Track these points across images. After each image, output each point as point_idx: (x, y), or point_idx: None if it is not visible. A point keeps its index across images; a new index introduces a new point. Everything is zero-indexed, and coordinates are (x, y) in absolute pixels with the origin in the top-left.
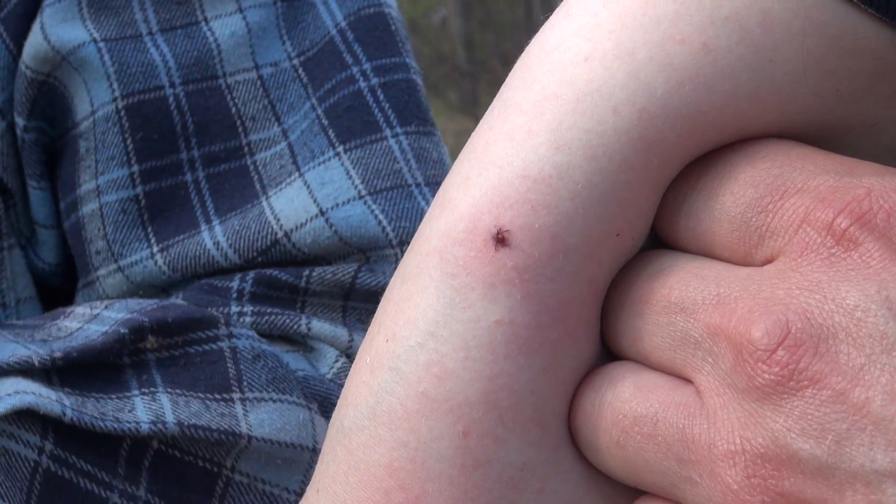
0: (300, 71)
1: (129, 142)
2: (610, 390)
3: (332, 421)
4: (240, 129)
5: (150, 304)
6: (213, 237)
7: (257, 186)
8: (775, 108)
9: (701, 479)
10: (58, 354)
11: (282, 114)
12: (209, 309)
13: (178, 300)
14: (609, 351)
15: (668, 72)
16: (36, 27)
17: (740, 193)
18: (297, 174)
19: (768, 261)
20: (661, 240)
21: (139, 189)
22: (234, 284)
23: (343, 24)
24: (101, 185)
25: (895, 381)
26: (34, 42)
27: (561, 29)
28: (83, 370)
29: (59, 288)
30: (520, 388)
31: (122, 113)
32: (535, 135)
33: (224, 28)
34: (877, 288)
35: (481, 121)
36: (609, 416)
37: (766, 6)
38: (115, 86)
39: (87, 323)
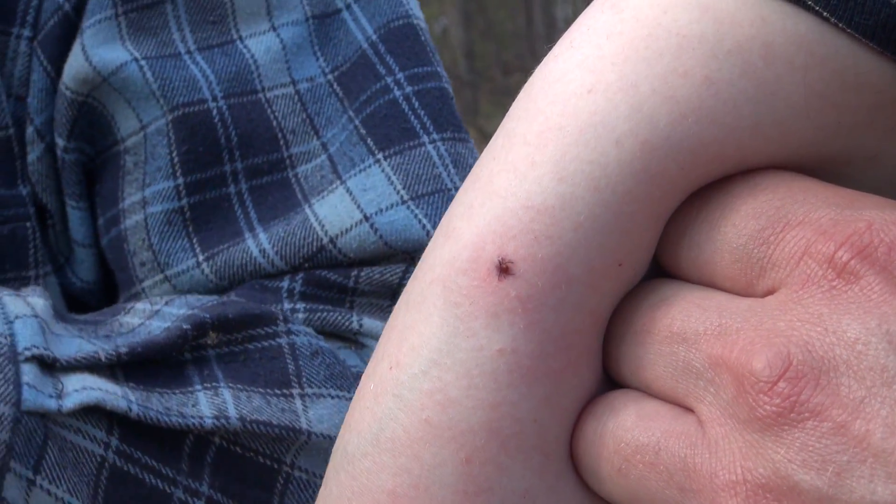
0: (335, 86)
1: (174, 154)
2: (612, 419)
3: (335, 446)
4: (281, 142)
5: (209, 300)
6: (259, 244)
7: (299, 196)
8: (777, 141)
9: None
10: (123, 350)
11: (320, 127)
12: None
13: (235, 297)
14: (611, 379)
15: (671, 104)
16: (77, 49)
17: (742, 225)
18: (338, 182)
19: (770, 292)
20: (663, 269)
21: (184, 201)
22: (285, 284)
23: (374, 37)
24: (147, 197)
25: (894, 414)
26: (75, 64)
27: (564, 60)
28: (147, 365)
29: (95, 307)
30: (522, 417)
31: (170, 126)
32: (539, 166)
33: (259, 45)
34: (877, 321)
35: (485, 150)
36: (611, 445)
37: (769, 40)
38: (161, 101)
39: (148, 319)
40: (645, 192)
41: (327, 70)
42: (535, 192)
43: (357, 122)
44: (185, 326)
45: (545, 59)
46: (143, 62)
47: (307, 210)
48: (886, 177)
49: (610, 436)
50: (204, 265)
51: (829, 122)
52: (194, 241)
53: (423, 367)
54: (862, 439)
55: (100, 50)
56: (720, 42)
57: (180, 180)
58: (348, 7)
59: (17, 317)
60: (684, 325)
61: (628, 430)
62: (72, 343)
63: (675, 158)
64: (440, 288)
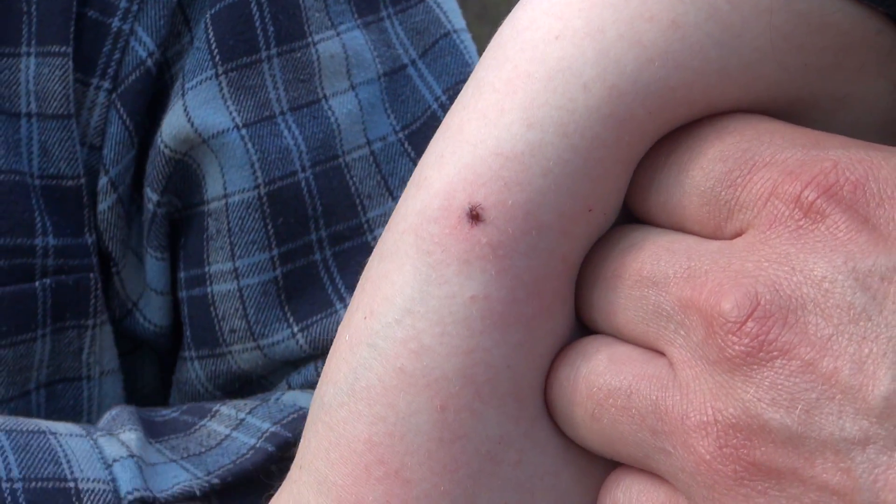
0: (406, 145)
1: (270, 227)
2: (584, 364)
3: (314, 397)
4: (359, 208)
5: (290, 411)
6: None
7: None
8: (744, 84)
9: (674, 450)
10: (216, 481)
11: (394, 188)
12: None
13: None
14: (584, 325)
15: (638, 49)
16: (178, 108)
17: (709, 168)
18: None
19: (738, 234)
20: (633, 215)
21: (278, 271)
22: None
23: (443, 98)
24: (241, 268)
25: (862, 351)
26: (176, 123)
27: (532, 8)
28: (238, 488)
29: (162, 347)
30: (496, 363)
31: (265, 199)
32: (508, 113)
33: (341, 106)
34: (844, 259)
35: (456, 100)
36: (584, 390)
37: None
38: (259, 174)
39: (234, 430)
40: (613, 137)
41: (398, 128)
42: (504, 138)
43: None
44: (269, 449)
45: (515, 8)
46: (244, 131)
47: None
48: (853, 120)
49: (583, 381)
50: (299, 336)
51: (796, 64)
52: (287, 310)
53: (397, 315)
54: (830, 376)
55: (201, 111)
56: None
57: (275, 251)
58: (413, 63)
59: (115, 460)
60: (654, 268)
61: (600, 374)
62: (166, 472)
63: (642, 103)
64: (412, 237)
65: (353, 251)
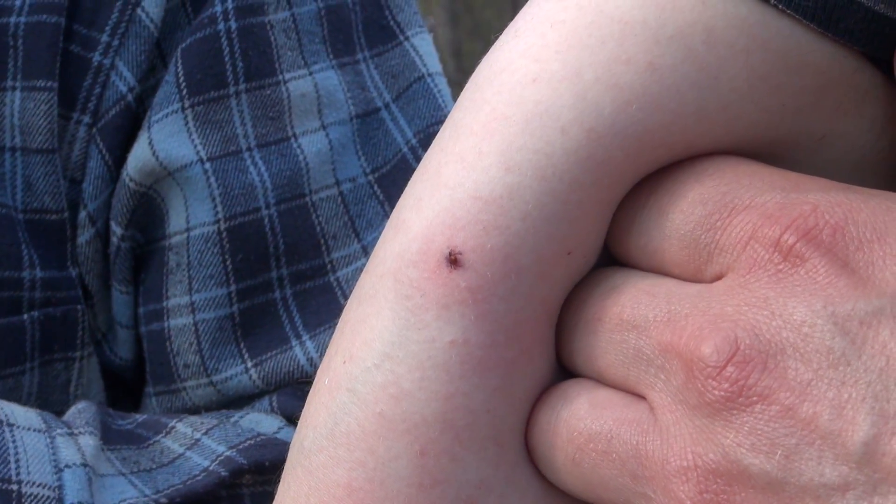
0: (375, 187)
1: (228, 262)
2: (565, 408)
3: (292, 442)
4: (323, 248)
5: (247, 437)
6: (306, 353)
7: (341, 301)
8: (722, 125)
9: (655, 495)
10: (163, 501)
11: (360, 230)
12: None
13: (276, 436)
14: (565, 369)
15: (615, 92)
16: (143, 141)
17: (689, 211)
18: None
19: (718, 277)
20: (613, 257)
21: (235, 307)
22: None
23: (413, 141)
24: (197, 302)
25: (842, 396)
26: (141, 156)
27: (509, 50)
28: None
29: (130, 380)
30: (475, 408)
31: (224, 235)
32: (486, 156)
33: (311, 145)
34: (823, 303)
35: (433, 142)
36: (564, 434)
37: (710, 24)
38: (220, 208)
39: (189, 449)
40: (592, 180)
41: (368, 170)
42: (482, 182)
43: None
44: (223, 473)
45: (491, 49)
46: (207, 164)
47: None
48: (833, 159)
49: (563, 425)
50: (252, 371)
51: (774, 104)
52: (242, 347)
53: (376, 360)
54: (809, 422)
55: (166, 144)
56: (662, 27)
57: (233, 287)
58: (387, 106)
59: (66, 466)
60: (634, 312)
61: (581, 418)
62: (115, 485)
63: (620, 145)
64: (391, 281)
65: (315, 291)
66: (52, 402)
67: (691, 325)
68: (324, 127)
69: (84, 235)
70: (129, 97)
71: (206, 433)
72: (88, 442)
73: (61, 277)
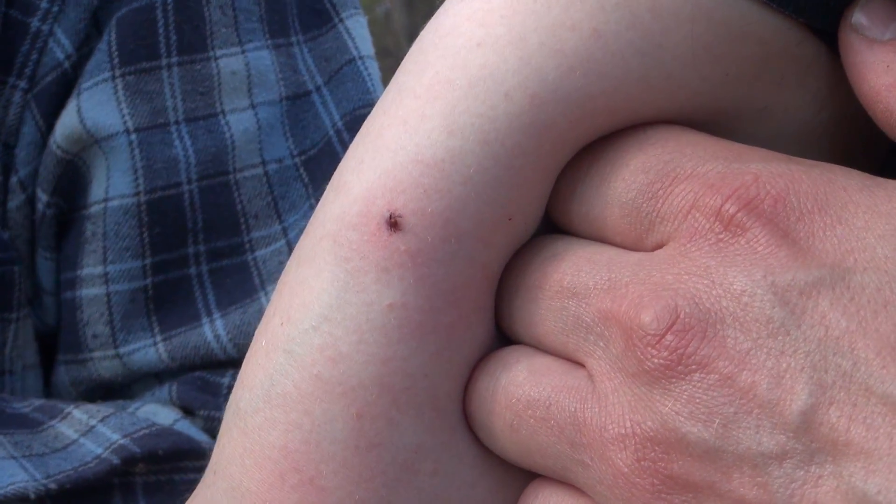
0: (301, 170)
1: (145, 235)
2: (504, 374)
3: (228, 403)
4: (243, 227)
5: (143, 425)
6: (214, 330)
7: (256, 282)
8: (666, 94)
9: (592, 462)
10: (52, 485)
11: (283, 211)
12: (200, 412)
13: (172, 427)
14: (505, 336)
15: (559, 57)
16: (71, 109)
17: (631, 179)
18: None
19: (659, 246)
20: (555, 225)
21: (149, 280)
22: (226, 381)
23: (339, 124)
24: (112, 274)
25: (780, 365)
26: (69, 123)
27: (455, 13)
28: (75, 496)
29: (52, 347)
30: (413, 372)
31: (143, 207)
32: (428, 119)
33: (239, 124)
34: (763, 273)
35: (376, 105)
36: (503, 400)
37: None
38: (141, 180)
39: (83, 436)
40: (534, 146)
41: (295, 152)
42: (424, 145)
43: None
44: (114, 462)
45: (437, 13)
46: (133, 136)
47: (263, 299)
48: (774, 130)
49: (502, 391)
50: (160, 345)
51: (717, 74)
52: (153, 320)
53: (314, 322)
54: (748, 390)
55: (95, 112)
56: None
57: (148, 260)
58: (318, 89)
59: None
60: (575, 279)
61: (520, 385)
62: (5, 468)
63: (563, 111)
64: (330, 243)
65: (231, 269)
66: None
67: (631, 294)
68: (253, 106)
69: (14, 201)
70: (66, 64)
71: (101, 420)
72: None
73: None
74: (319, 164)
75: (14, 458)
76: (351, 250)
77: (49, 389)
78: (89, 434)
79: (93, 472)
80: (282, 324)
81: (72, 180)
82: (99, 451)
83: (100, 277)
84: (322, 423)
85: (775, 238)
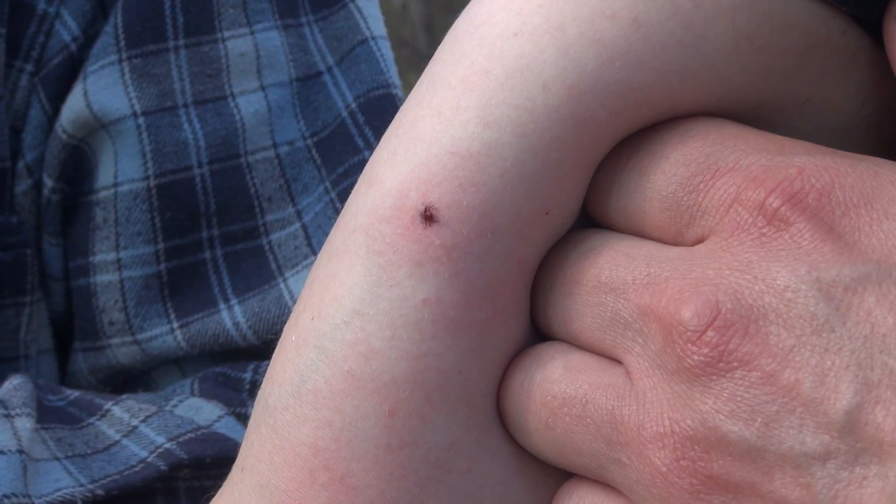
0: (313, 151)
1: (157, 220)
2: (539, 371)
3: (257, 399)
4: (257, 210)
5: (187, 428)
6: (233, 317)
7: (273, 266)
8: (707, 86)
9: (630, 461)
10: (100, 492)
11: (296, 194)
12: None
13: (215, 430)
14: (540, 332)
15: (598, 48)
16: (77, 92)
17: (672, 172)
18: (313, 257)
19: (699, 241)
20: (592, 219)
21: (162, 266)
22: (248, 376)
23: (353, 105)
24: (124, 260)
25: (825, 363)
26: (75, 108)
27: (490, 2)
28: (120, 499)
29: (62, 334)
30: (447, 368)
31: (154, 192)
32: (464, 111)
33: (248, 106)
34: (807, 268)
35: (409, 96)
36: (538, 398)
37: None
38: (150, 164)
39: (125, 437)
40: (572, 138)
41: (307, 134)
42: (460, 137)
43: (333, 194)
44: (161, 467)
45: (471, 2)
46: (141, 119)
47: (281, 285)
48: (818, 123)
49: (537, 388)
50: (177, 332)
51: (760, 65)
52: (169, 306)
53: (346, 317)
54: (791, 389)
55: (101, 96)
56: None
57: (160, 245)
58: (329, 70)
59: (1, 452)
60: (612, 274)
61: (555, 382)
62: (50, 472)
63: (602, 103)
64: (363, 236)
65: (246, 253)
66: (2, 350)
67: (671, 289)
68: (263, 88)
69: (21, 186)
70: (73, 47)
71: (143, 420)
72: (25, 425)
73: (9, 223)
74: (332, 145)
75: (57, 458)
76: (384, 244)
77: (63, 376)
78: (132, 435)
79: (140, 478)
80: (312, 319)
81: (77, 165)
82: (143, 454)
83: (113, 264)
84: (353, 420)
85: (820, 233)
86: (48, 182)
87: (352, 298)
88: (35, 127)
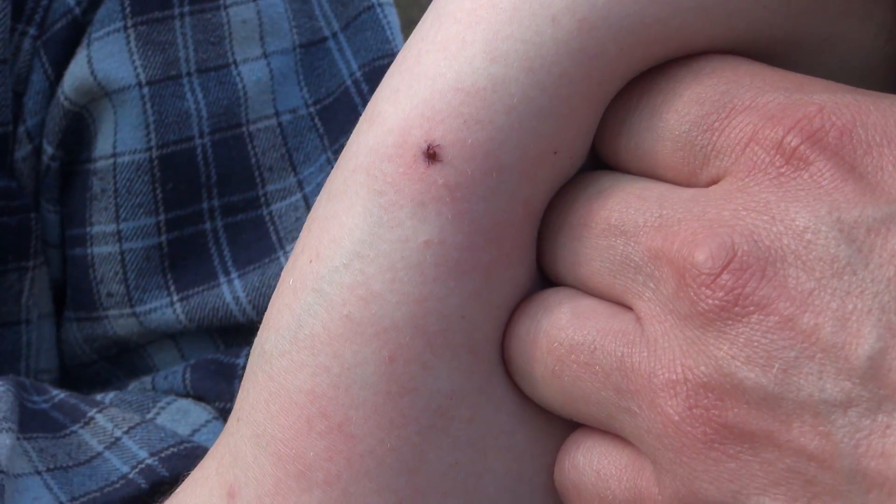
0: (316, 120)
1: (159, 191)
2: (545, 317)
3: (253, 346)
4: (257, 180)
5: (170, 442)
6: (233, 292)
7: (273, 238)
8: (723, 22)
9: (640, 410)
10: None
11: (298, 164)
12: (215, 403)
13: (201, 439)
14: (546, 277)
15: None
16: (82, 59)
17: (685, 111)
18: None
19: (714, 181)
20: (602, 160)
21: (163, 237)
22: (241, 361)
23: (358, 74)
24: (125, 231)
25: (846, 307)
26: (79, 74)
27: None
28: None
29: (59, 302)
30: (449, 313)
31: (156, 163)
32: (470, 45)
33: (251, 74)
34: (828, 209)
35: (414, 31)
36: (544, 345)
37: None
38: (153, 135)
39: (108, 449)
40: (582, 74)
41: (310, 102)
42: (465, 73)
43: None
44: (142, 485)
45: None
46: (146, 89)
47: (282, 259)
48: (836, 63)
49: (543, 335)
50: (177, 305)
51: (778, 1)
52: (169, 279)
53: (345, 259)
54: (811, 334)
55: (105, 63)
56: None
57: (162, 217)
58: (334, 35)
59: None
60: (623, 216)
61: (562, 328)
62: (30, 488)
63: (614, 38)
64: (363, 176)
65: (247, 224)
66: (4, 314)
67: (684, 231)
68: (265, 55)
69: (21, 151)
70: (76, 11)
71: (127, 432)
72: (5, 441)
73: (13, 187)
74: (335, 114)
75: (38, 472)
76: (385, 183)
77: (59, 345)
78: (114, 447)
79: (119, 496)
80: (310, 261)
81: (77, 133)
82: (125, 469)
83: (112, 235)
84: (352, 366)
85: (841, 172)
86: (48, 149)
87: (351, 240)
88: (37, 92)
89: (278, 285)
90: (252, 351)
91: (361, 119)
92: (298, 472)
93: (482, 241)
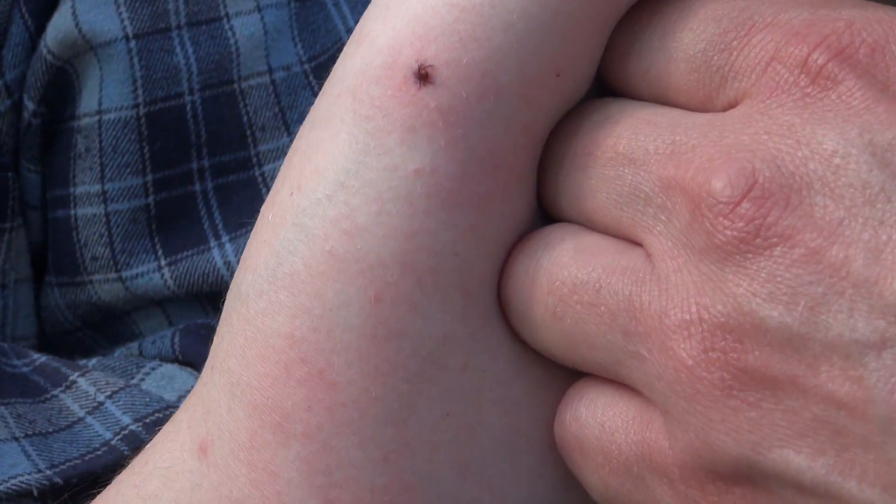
0: (311, 77)
1: (146, 150)
2: (546, 255)
3: (230, 289)
4: (249, 140)
5: (154, 407)
6: (224, 256)
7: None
8: None
9: (650, 355)
10: (58, 480)
11: (291, 123)
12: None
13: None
14: (547, 212)
15: None
16: (65, 10)
17: (700, 29)
18: None
19: (732, 105)
20: (609, 87)
21: (151, 198)
22: None
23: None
24: (110, 192)
25: (879, 237)
26: (62, 27)
27: None
28: (80, 490)
29: (39, 266)
30: (441, 249)
31: (143, 120)
32: None
33: (244, 28)
34: (858, 131)
35: None
36: (545, 284)
37: None
38: (140, 92)
39: (90, 414)
40: None
41: (304, 58)
42: None
43: None
44: (125, 452)
45: None
46: (133, 43)
47: None
48: None
49: (544, 273)
50: (165, 270)
51: None
52: (157, 242)
53: (328, 190)
54: (840, 267)
55: (90, 15)
56: None
57: (149, 177)
58: None
59: None
60: (632, 143)
61: (565, 266)
62: (7, 455)
63: None
64: (349, 100)
65: (238, 185)
66: None
67: (699, 157)
68: (259, 9)
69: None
70: None
71: (110, 396)
72: None
73: None
74: (330, 71)
75: (16, 439)
76: (373, 107)
77: (39, 312)
78: (97, 412)
79: (101, 464)
80: (291, 194)
81: (60, 89)
82: (108, 435)
83: (97, 196)
84: (334, 307)
85: (872, 91)
86: (29, 105)
87: (335, 169)
88: (16, 44)
89: (257, 221)
90: (228, 294)
91: (349, 41)
92: (275, 424)
93: (477, 170)
